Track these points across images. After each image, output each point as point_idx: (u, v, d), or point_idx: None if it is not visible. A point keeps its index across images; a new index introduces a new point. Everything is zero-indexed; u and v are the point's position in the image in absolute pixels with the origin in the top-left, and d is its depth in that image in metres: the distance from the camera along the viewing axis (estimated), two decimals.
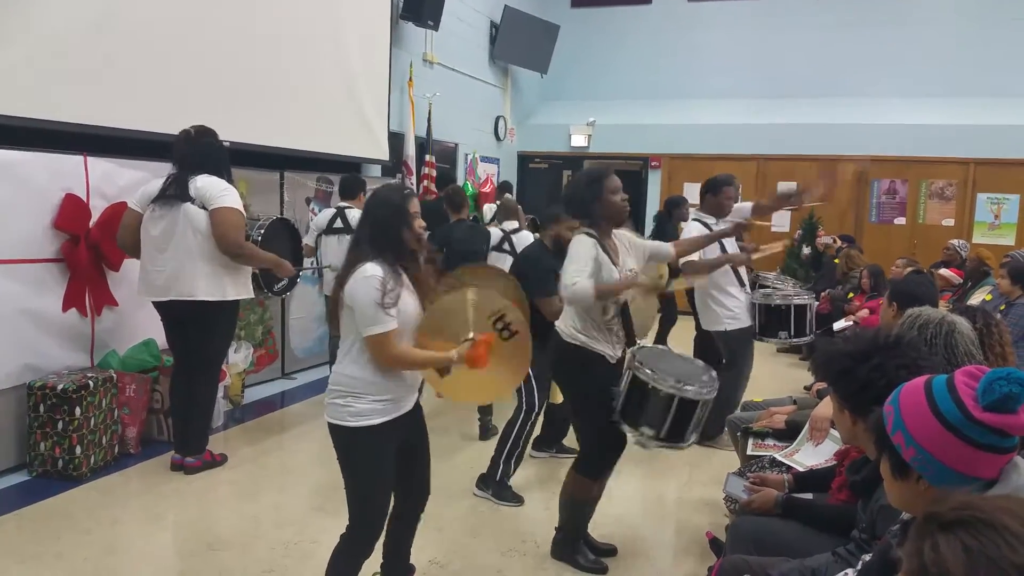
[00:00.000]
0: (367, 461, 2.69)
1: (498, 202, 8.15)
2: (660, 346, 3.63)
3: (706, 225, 5.04)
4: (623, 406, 3.26)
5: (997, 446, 1.49)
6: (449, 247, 5.40)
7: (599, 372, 3.35)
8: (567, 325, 3.39)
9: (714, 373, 3.38)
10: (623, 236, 3.52)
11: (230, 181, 4.38)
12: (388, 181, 7.94)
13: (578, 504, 3.52)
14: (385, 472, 2.73)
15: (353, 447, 2.67)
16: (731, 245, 5.11)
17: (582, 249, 3.27)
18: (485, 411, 5.41)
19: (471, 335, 2.74)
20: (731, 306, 5.08)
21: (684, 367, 3.39)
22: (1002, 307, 5.56)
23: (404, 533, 3.03)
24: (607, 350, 3.36)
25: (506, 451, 4.30)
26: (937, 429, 1.50)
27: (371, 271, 2.57)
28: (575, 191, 3.46)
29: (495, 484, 4.30)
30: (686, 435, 3.24)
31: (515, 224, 5.72)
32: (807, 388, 6.06)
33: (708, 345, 5.75)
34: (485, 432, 5.36)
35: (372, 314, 2.54)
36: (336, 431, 2.69)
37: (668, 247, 3.74)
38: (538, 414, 4.34)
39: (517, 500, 4.28)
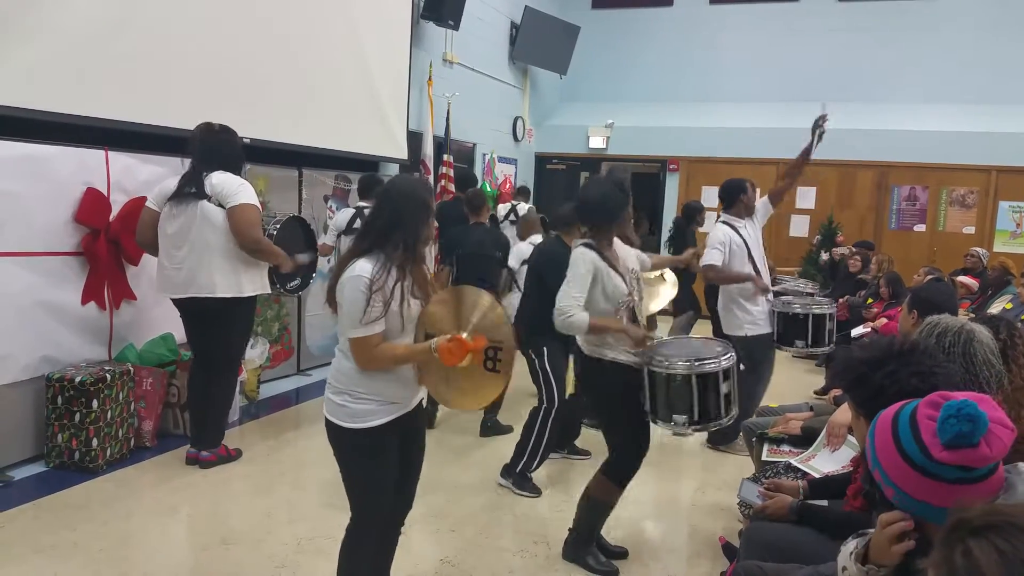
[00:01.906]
0: (366, 461, 2.63)
1: (513, 202, 8.16)
2: (667, 337, 3.61)
3: (734, 228, 5.06)
4: (649, 404, 3.28)
5: (966, 478, 1.46)
6: (462, 249, 5.40)
7: (624, 380, 3.35)
8: (586, 339, 3.39)
9: (728, 343, 3.41)
10: (621, 246, 3.53)
11: (242, 177, 4.41)
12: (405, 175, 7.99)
13: (598, 507, 3.52)
14: (385, 470, 2.67)
15: (351, 448, 2.63)
16: (762, 264, 5.12)
17: (581, 270, 3.25)
18: (489, 408, 5.41)
19: (461, 335, 2.57)
20: (754, 312, 5.05)
21: (695, 347, 3.41)
22: (1023, 316, 5.51)
23: (387, 548, 2.92)
24: (628, 356, 3.34)
25: (530, 446, 4.37)
26: (906, 469, 1.49)
27: (360, 270, 2.48)
28: (606, 197, 3.35)
29: (516, 474, 4.39)
30: (720, 411, 3.25)
31: (539, 238, 5.75)
32: (816, 393, 6.03)
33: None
34: (485, 429, 5.39)
35: (355, 317, 2.47)
36: (333, 429, 2.63)
37: (645, 257, 3.73)
38: (559, 408, 4.37)
39: (535, 491, 4.35)
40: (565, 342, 3.75)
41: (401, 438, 2.71)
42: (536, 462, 4.39)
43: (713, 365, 3.22)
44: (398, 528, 2.91)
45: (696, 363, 3.20)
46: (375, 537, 2.77)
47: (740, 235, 5.06)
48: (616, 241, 3.51)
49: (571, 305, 3.20)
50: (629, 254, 3.53)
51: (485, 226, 5.58)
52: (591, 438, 4.89)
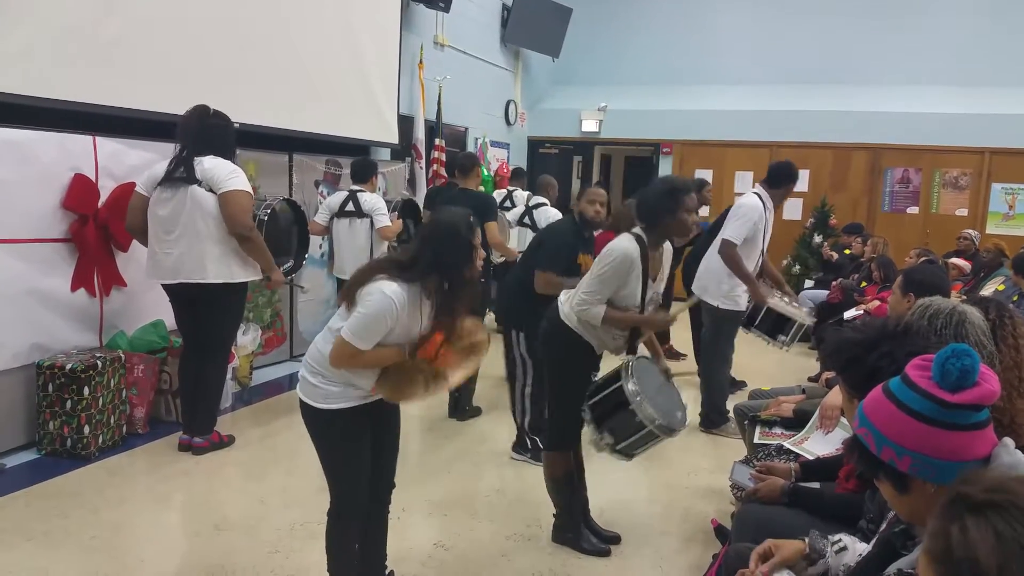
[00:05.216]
0: (340, 442, 2.67)
1: (509, 188, 8.13)
2: (656, 364, 3.54)
3: (764, 206, 4.98)
4: (596, 403, 3.29)
5: (978, 422, 1.49)
6: (433, 209, 5.23)
7: (582, 357, 3.41)
8: (568, 305, 3.39)
9: (687, 413, 3.42)
10: (666, 249, 3.51)
11: (234, 163, 4.38)
12: (397, 167, 7.92)
13: (560, 482, 3.53)
14: (360, 451, 2.70)
15: (325, 428, 2.66)
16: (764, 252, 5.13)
17: (612, 268, 3.24)
18: (464, 393, 5.37)
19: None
20: (738, 291, 5.03)
21: (668, 397, 3.39)
22: (1015, 297, 5.52)
23: (375, 531, 2.93)
24: (594, 341, 3.38)
25: (529, 416, 4.48)
26: (922, 429, 1.48)
27: (394, 293, 2.48)
28: (650, 197, 3.36)
29: (532, 449, 4.50)
30: (635, 455, 3.32)
31: (541, 199, 5.76)
32: (812, 379, 6.03)
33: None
34: (463, 413, 5.36)
35: (361, 326, 2.48)
36: (307, 410, 2.65)
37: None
38: (535, 382, 4.40)
39: None
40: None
41: (374, 418, 2.72)
42: (528, 419, 4.49)
43: (666, 432, 3.20)
44: (384, 508, 2.92)
45: (657, 422, 3.16)
46: (358, 520, 2.78)
47: (765, 216, 4.99)
48: (666, 253, 3.48)
49: (588, 300, 3.26)
50: (665, 271, 3.50)
51: (471, 192, 5.35)
52: None
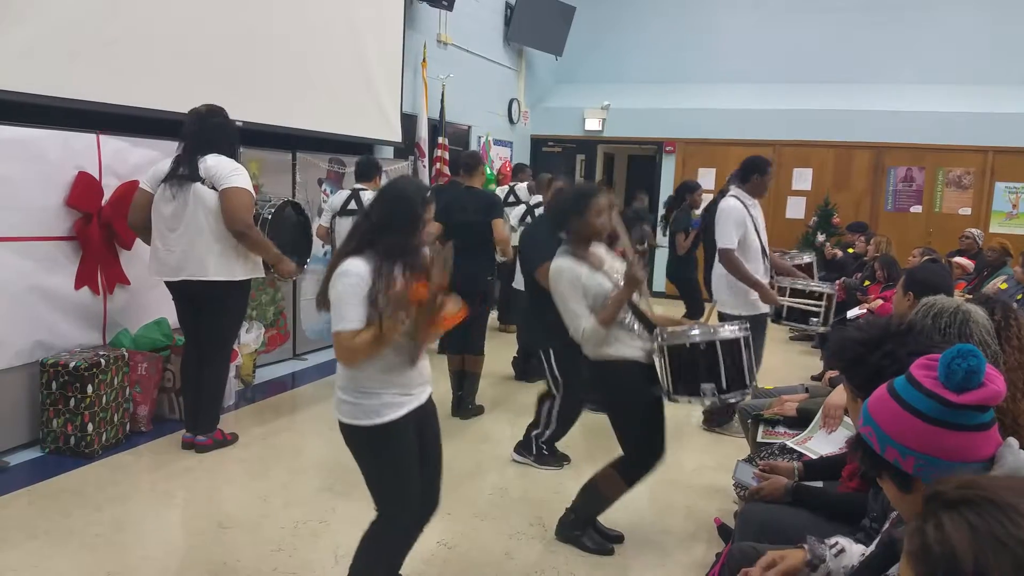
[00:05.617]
0: (388, 458, 2.56)
1: (512, 183, 8.14)
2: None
3: (744, 204, 4.94)
4: (673, 383, 3.26)
5: (983, 422, 1.49)
6: (450, 218, 5.07)
7: (635, 379, 3.33)
8: (582, 345, 3.35)
9: (742, 322, 3.43)
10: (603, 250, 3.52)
11: (238, 161, 4.38)
12: (400, 165, 7.95)
13: (602, 499, 3.51)
14: (409, 464, 2.60)
15: (371, 447, 2.55)
16: (766, 250, 5.09)
17: (565, 286, 3.25)
18: (459, 386, 5.38)
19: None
20: (751, 295, 4.98)
21: (707, 326, 3.41)
22: (1019, 296, 5.52)
23: (407, 543, 2.86)
24: (635, 351, 3.32)
25: (551, 430, 4.46)
26: (926, 429, 1.48)
27: (351, 266, 2.45)
28: (559, 203, 3.44)
29: (535, 453, 4.50)
30: (747, 379, 3.28)
31: (539, 199, 5.77)
32: (815, 378, 6.03)
33: None
34: (465, 411, 5.35)
35: (338, 311, 2.43)
36: (346, 430, 2.56)
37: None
38: (565, 400, 4.38)
39: (557, 464, 4.48)
40: (569, 341, 3.75)
41: (418, 433, 2.64)
42: (548, 433, 4.46)
43: (732, 334, 3.26)
44: (421, 528, 2.83)
45: (718, 331, 3.24)
46: (402, 540, 2.72)
47: (750, 213, 4.96)
48: (601, 249, 3.47)
49: (577, 325, 3.23)
50: (612, 257, 3.49)
51: (476, 190, 5.37)
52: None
